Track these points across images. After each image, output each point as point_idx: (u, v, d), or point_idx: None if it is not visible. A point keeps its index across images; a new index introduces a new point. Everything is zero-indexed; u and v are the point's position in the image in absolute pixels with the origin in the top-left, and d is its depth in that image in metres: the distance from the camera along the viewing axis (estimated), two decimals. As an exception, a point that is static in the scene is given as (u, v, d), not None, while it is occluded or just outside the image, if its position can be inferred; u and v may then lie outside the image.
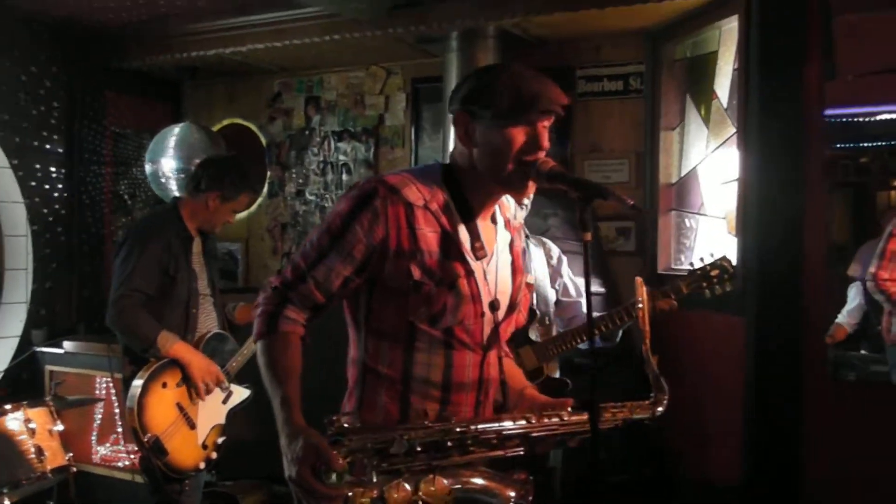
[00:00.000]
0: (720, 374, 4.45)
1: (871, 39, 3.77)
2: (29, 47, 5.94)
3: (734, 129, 4.45)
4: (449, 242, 2.14)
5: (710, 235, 4.83)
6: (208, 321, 4.12)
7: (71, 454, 4.03)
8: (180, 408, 3.90)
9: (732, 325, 4.21)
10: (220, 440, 4.00)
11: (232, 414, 4.10)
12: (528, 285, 2.47)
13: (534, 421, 2.16)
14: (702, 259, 3.51)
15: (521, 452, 2.16)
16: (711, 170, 4.81)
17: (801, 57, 3.93)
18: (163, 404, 3.84)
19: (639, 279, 2.53)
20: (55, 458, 3.94)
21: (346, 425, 2.04)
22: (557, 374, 3.75)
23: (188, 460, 3.88)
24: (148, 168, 6.00)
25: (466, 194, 2.19)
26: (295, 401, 2.08)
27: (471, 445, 2.09)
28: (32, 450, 3.86)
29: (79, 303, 6.17)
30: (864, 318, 5.47)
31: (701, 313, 4.19)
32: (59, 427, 4.03)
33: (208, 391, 3.94)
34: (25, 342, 5.85)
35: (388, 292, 2.15)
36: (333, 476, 1.96)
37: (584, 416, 2.20)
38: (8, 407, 3.92)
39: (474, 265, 2.17)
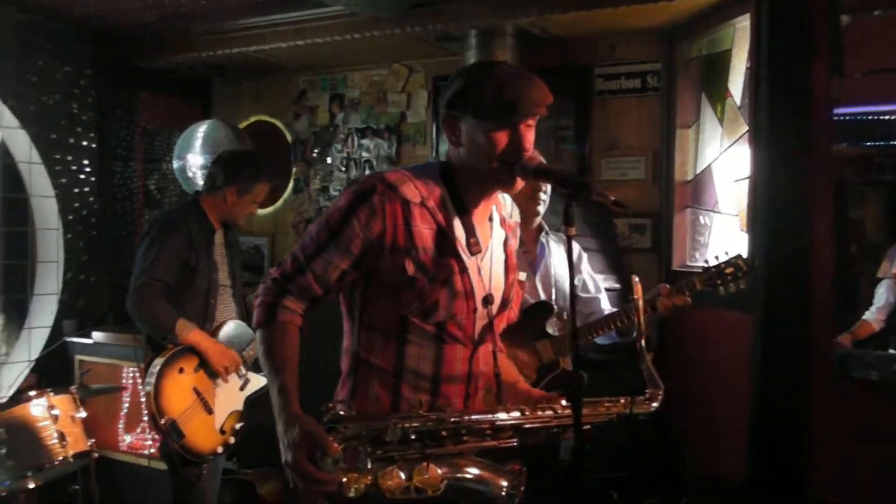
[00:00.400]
0: (728, 370, 4.48)
1: (879, 38, 3.79)
2: (64, 48, 6.08)
3: (747, 127, 4.47)
4: (444, 239, 2.21)
5: (724, 233, 4.85)
6: (227, 311, 4.22)
7: (93, 440, 4.14)
8: (197, 393, 3.99)
9: (741, 322, 4.23)
10: (237, 426, 4.09)
11: (250, 402, 4.19)
12: (521, 283, 2.54)
13: (527, 413, 2.22)
14: (716, 257, 3.54)
15: (514, 443, 2.24)
16: (725, 167, 4.84)
17: (810, 55, 3.95)
18: (179, 389, 3.94)
19: (635, 277, 2.59)
20: (77, 443, 4.05)
21: (341, 413, 2.13)
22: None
23: (205, 444, 3.97)
24: (176, 164, 6.14)
25: (462, 191, 2.26)
26: (292, 389, 2.15)
27: (464, 435, 2.16)
28: (55, 435, 3.97)
29: (108, 294, 6.30)
30: (891, 317, 5.49)
31: (710, 310, 4.21)
32: (82, 414, 4.14)
33: (228, 373, 4.04)
34: (56, 332, 5.99)
35: (382, 287, 2.22)
36: (329, 462, 2.02)
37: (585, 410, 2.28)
38: (32, 394, 4.05)
39: (468, 261, 2.24)
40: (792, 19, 4.00)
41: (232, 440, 4.09)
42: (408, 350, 2.24)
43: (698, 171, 5.09)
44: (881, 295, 5.59)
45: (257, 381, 4.22)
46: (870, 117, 3.99)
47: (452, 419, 2.15)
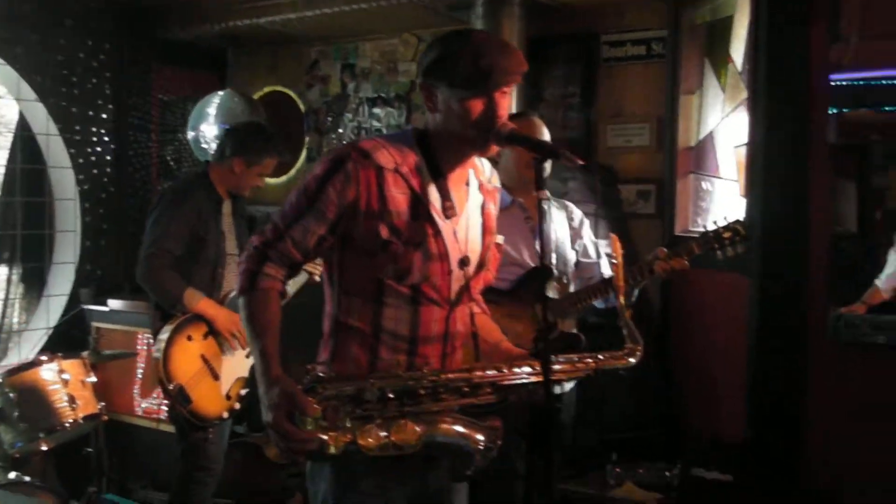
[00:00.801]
0: (726, 333, 4.51)
1: (876, 3, 3.77)
2: (85, 22, 6.18)
3: (747, 93, 4.48)
4: (418, 204, 2.26)
5: (726, 198, 4.87)
6: (235, 280, 4.29)
7: (103, 403, 4.26)
8: (204, 359, 4.08)
9: (738, 284, 4.26)
10: (243, 392, 4.18)
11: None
12: (498, 245, 2.58)
13: (504, 370, 2.28)
14: (714, 222, 3.57)
15: (493, 400, 2.30)
16: (727, 133, 4.84)
17: (807, 19, 3.94)
18: (187, 355, 4.03)
19: (613, 235, 2.65)
20: (87, 406, 4.18)
21: (320, 374, 2.22)
22: (574, 331, 3.85)
23: (212, 409, 4.07)
24: (190, 134, 6.22)
25: (437, 156, 2.31)
26: (272, 352, 2.21)
27: (442, 393, 2.22)
28: (65, 398, 4.10)
29: (125, 263, 6.33)
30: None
31: (709, 272, 4.23)
32: (93, 378, 4.26)
33: (236, 340, 4.13)
34: (74, 300, 6.13)
35: (358, 251, 2.27)
36: (308, 421, 2.10)
37: (556, 367, 2.34)
38: (44, 358, 4.18)
39: (443, 225, 2.29)
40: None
41: (237, 406, 4.18)
42: (385, 312, 2.29)
43: (701, 138, 5.10)
44: (892, 262, 5.53)
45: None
46: (841, 83, 3.96)
47: (430, 378, 2.21)
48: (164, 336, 4.01)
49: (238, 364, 4.20)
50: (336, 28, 6.20)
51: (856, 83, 4.06)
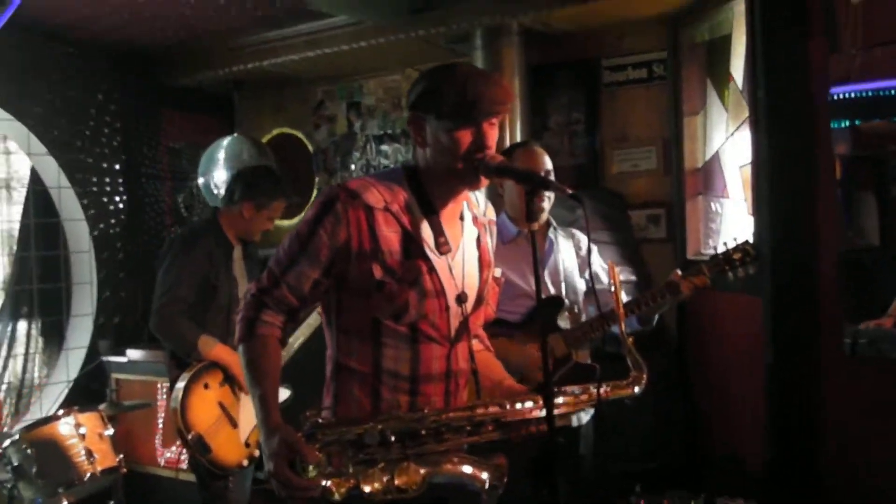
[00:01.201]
0: (743, 356, 4.47)
1: (874, 13, 3.73)
2: (94, 76, 6.27)
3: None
4: (410, 241, 2.24)
5: (735, 218, 4.83)
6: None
7: (121, 456, 4.24)
8: (222, 407, 4.06)
9: (751, 306, 4.22)
10: (262, 438, 4.15)
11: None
12: (496, 279, 2.56)
13: (507, 407, 2.25)
14: (724, 243, 3.54)
15: (496, 437, 2.27)
16: (732, 153, 4.81)
17: (805, 33, 3.92)
18: (205, 404, 4.00)
19: (610, 263, 2.63)
20: (105, 459, 4.16)
21: (319, 420, 2.19)
22: (588, 361, 3.81)
23: (232, 457, 4.02)
24: (200, 180, 6.26)
25: (428, 192, 2.30)
26: (272, 400, 2.21)
27: (445, 433, 2.19)
28: (83, 452, 4.08)
29: (142, 312, 6.39)
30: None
31: (723, 294, 4.21)
32: (110, 431, 4.25)
33: None
34: (93, 352, 6.14)
35: (354, 292, 2.26)
36: (310, 469, 2.09)
37: (559, 400, 2.31)
38: (60, 413, 4.17)
39: (437, 261, 2.27)
40: (786, -1, 3.98)
41: (257, 453, 4.14)
42: (384, 352, 2.27)
43: (707, 158, 5.07)
44: None
45: (282, 394, 4.26)
46: (842, 96, 3.92)
47: (431, 418, 2.19)
48: (181, 384, 3.99)
49: (256, 410, 4.16)
50: (339, 67, 6.25)
51: (864, 94, 4.02)
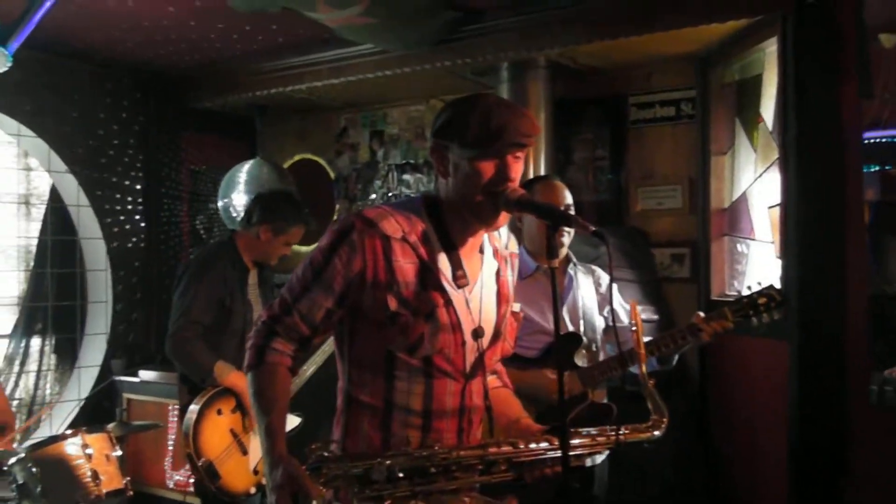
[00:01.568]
0: (767, 400, 4.38)
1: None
2: (113, 92, 6.28)
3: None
4: (427, 273, 2.18)
5: (761, 260, 4.75)
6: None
7: (128, 478, 4.18)
8: (234, 434, 4.02)
9: (777, 350, 4.14)
10: (271, 466, 4.09)
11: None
12: (514, 314, 2.49)
13: (521, 446, 2.18)
14: (749, 287, 3.46)
15: (509, 478, 2.20)
16: (760, 194, 4.74)
17: (838, 77, 3.88)
18: (217, 430, 3.97)
19: (632, 302, 2.56)
20: (111, 481, 4.10)
21: (324, 454, 2.12)
22: (605, 400, 3.73)
23: (240, 485, 3.98)
24: (220, 203, 6.24)
25: (447, 224, 2.24)
26: (279, 430, 2.16)
27: (455, 471, 2.12)
28: (89, 474, 4.02)
29: (156, 333, 6.38)
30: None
31: (747, 338, 4.12)
32: (118, 452, 4.19)
33: None
34: (106, 371, 6.12)
35: (367, 323, 2.20)
36: None
37: (576, 442, 2.24)
38: (68, 433, 4.12)
39: (454, 294, 2.21)
40: (818, 42, 3.94)
41: (265, 480, 4.08)
42: (396, 385, 2.20)
43: (734, 199, 5.00)
44: None
45: (291, 421, 4.21)
46: (875, 140, 3.87)
47: (442, 455, 2.12)
48: (193, 409, 3.95)
49: (266, 438, 4.11)
50: (363, 95, 6.24)
51: (894, 140, 3.98)
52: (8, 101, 5.57)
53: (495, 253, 2.38)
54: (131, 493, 4.22)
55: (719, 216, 5.07)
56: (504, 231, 2.48)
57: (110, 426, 4.32)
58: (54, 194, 6.11)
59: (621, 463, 3.87)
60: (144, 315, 6.44)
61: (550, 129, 5.22)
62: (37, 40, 4.67)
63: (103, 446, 4.17)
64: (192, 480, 5.32)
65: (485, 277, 2.32)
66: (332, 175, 6.81)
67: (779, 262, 4.34)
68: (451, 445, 2.20)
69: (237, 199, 6.10)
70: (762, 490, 4.48)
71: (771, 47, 4.47)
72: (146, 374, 5.89)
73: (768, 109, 4.60)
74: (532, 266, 3.56)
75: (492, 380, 2.49)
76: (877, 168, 4.04)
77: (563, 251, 3.67)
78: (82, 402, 6.03)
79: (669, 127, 5.31)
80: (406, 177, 6.42)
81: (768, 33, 4.38)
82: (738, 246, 5.00)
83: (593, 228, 2.06)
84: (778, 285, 3.43)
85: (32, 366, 6.07)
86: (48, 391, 6.14)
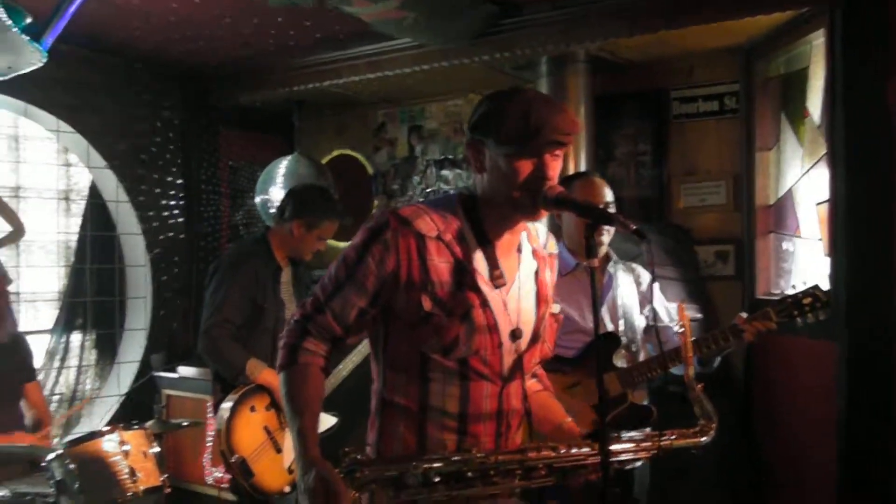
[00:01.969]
0: (814, 402, 4.29)
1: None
2: (158, 91, 6.29)
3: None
4: (462, 272, 2.13)
5: (808, 258, 4.64)
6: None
7: (166, 475, 4.17)
8: (268, 431, 4.00)
9: (825, 351, 4.05)
10: (307, 465, 4.07)
11: (320, 441, 4.17)
12: (553, 315, 2.42)
13: (561, 451, 2.13)
14: (794, 286, 3.38)
15: (549, 483, 2.14)
16: (807, 190, 4.63)
17: (885, 70, 3.78)
18: (250, 427, 3.96)
19: (680, 304, 2.49)
20: (149, 478, 4.07)
21: (358, 457, 2.08)
22: (646, 402, 3.66)
23: (274, 483, 3.96)
24: (258, 199, 6.22)
25: (484, 221, 2.18)
26: (311, 433, 2.13)
27: (493, 476, 2.08)
28: (126, 471, 4.00)
29: (195, 329, 6.33)
30: None
31: (794, 338, 4.02)
32: (156, 449, 4.17)
33: None
34: (145, 367, 6.14)
35: (402, 324, 2.16)
36: None
37: (619, 447, 2.18)
38: (105, 429, 4.11)
39: (491, 294, 2.15)
40: (867, 34, 3.85)
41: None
42: (431, 388, 2.16)
43: (780, 195, 4.90)
44: None
45: (327, 420, 4.18)
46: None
47: (479, 459, 2.06)
48: (227, 406, 3.93)
49: (301, 436, 4.08)
50: (401, 90, 6.19)
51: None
52: (47, 97, 5.57)
53: (534, 253, 2.32)
54: (169, 490, 4.21)
55: (764, 213, 4.97)
56: (543, 231, 2.40)
57: (149, 424, 4.32)
58: (94, 190, 6.14)
59: (662, 465, 3.77)
60: (184, 310, 6.44)
61: (591, 123, 5.14)
62: (74, 36, 4.68)
63: (141, 443, 4.15)
64: (229, 477, 5.36)
65: (522, 277, 2.26)
66: (371, 171, 6.77)
67: (827, 260, 4.24)
68: (488, 450, 2.14)
69: (275, 195, 6.08)
70: (809, 494, 4.39)
71: (818, 40, 4.37)
72: (185, 371, 5.91)
73: (815, 103, 4.49)
74: (571, 263, 3.50)
75: (532, 383, 2.43)
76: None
77: (603, 249, 3.60)
78: (122, 398, 6.04)
79: (713, 122, 5.21)
80: (445, 172, 6.37)
81: (815, 25, 4.28)
82: (784, 243, 4.89)
83: (634, 227, 1.98)
84: (826, 284, 3.34)
85: (73, 361, 6.10)
86: (88, 386, 6.17)
